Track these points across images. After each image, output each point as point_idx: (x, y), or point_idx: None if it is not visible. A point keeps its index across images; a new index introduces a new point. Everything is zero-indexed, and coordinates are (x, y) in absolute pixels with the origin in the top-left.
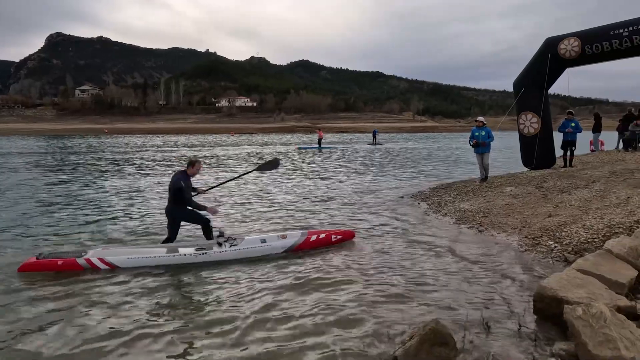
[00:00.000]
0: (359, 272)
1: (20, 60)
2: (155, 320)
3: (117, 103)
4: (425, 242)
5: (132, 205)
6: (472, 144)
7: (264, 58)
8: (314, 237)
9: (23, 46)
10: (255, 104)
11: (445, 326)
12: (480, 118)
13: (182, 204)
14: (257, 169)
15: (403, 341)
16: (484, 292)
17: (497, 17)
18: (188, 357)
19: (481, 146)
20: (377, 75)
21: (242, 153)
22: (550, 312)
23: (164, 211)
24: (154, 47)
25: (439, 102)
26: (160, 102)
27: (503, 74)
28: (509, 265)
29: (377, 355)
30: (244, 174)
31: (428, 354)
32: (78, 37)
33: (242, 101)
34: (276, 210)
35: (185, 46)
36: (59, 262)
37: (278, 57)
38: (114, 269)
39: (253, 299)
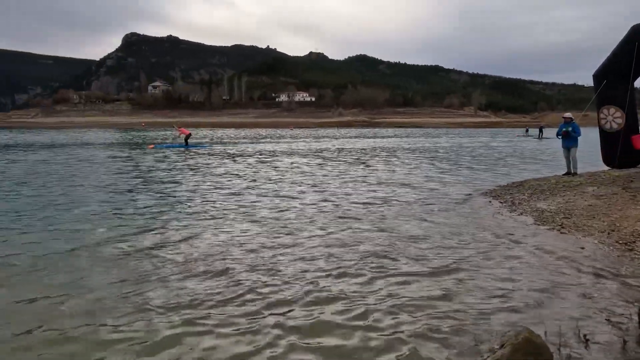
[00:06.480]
0: (433, 269)
1: (101, 58)
2: None
3: (184, 98)
4: (503, 243)
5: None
6: (560, 135)
7: (323, 53)
8: None
9: (104, 46)
10: (313, 99)
11: (539, 336)
12: (568, 114)
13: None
14: None
15: (492, 349)
16: (576, 300)
17: (566, 6)
18: None
19: (569, 138)
20: (436, 70)
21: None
22: None
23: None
24: (218, 44)
25: (503, 97)
26: (224, 98)
27: (573, 67)
28: (601, 271)
29: None
30: None
31: None
32: (150, 37)
33: (301, 96)
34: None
35: (247, 43)
36: None
37: (336, 52)
38: None
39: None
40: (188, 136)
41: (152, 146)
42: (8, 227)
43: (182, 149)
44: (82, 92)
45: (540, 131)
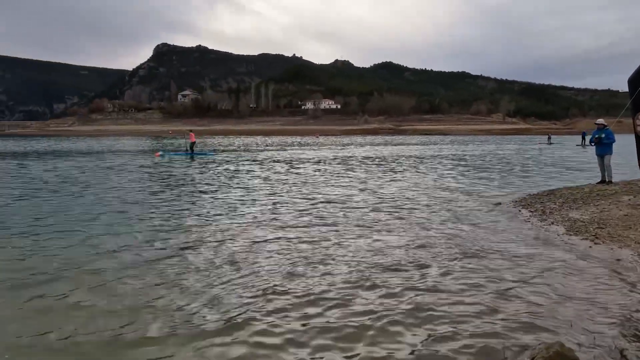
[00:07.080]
0: (459, 280)
1: (133, 69)
2: None
3: (213, 106)
4: (532, 254)
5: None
6: (593, 142)
7: (348, 61)
8: None
9: (136, 56)
10: (339, 106)
11: (572, 350)
12: (600, 120)
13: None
14: None
15: None
16: (612, 314)
17: (597, 9)
18: None
19: (602, 145)
20: (463, 76)
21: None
22: None
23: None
24: (245, 53)
25: (532, 103)
26: (251, 105)
27: (607, 72)
28: (638, 284)
29: None
30: None
31: None
32: (180, 47)
33: (327, 104)
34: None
35: (273, 52)
36: None
37: (361, 60)
38: None
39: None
40: (193, 144)
41: (158, 154)
42: (71, 230)
43: (188, 157)
44: (116, 101)
45: (583, 138)
